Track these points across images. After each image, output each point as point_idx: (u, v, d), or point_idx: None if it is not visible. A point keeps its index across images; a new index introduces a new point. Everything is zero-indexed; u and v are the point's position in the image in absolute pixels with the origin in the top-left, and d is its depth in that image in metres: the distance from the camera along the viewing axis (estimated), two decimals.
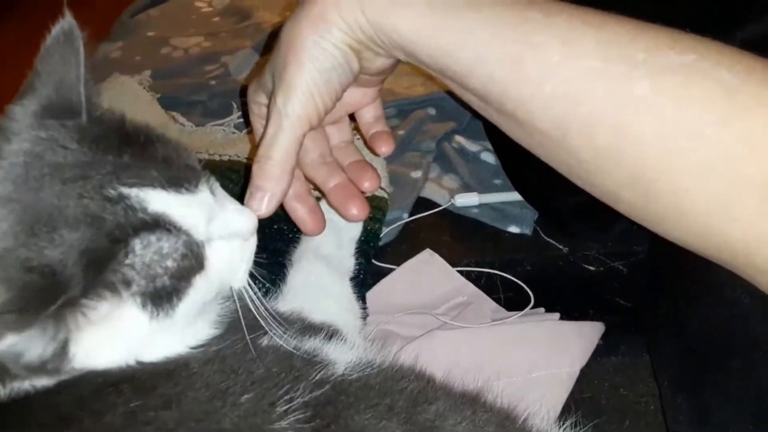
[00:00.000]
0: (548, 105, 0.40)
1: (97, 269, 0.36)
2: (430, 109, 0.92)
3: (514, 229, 0.75)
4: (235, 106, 0.93)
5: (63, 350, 0.37)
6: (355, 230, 0.69)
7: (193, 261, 0.41)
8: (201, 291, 0.42)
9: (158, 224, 0.39)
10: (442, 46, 0.43)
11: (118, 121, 0.43)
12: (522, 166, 0.81)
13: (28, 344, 0.34)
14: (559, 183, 0.75)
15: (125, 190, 0.39)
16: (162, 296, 0.40)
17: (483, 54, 0.42)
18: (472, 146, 0.86)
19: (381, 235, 0.73)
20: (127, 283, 0.38)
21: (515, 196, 0.77)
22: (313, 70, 0.48)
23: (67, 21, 0.44)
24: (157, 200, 0.40)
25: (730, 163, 0.35)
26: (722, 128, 0.35)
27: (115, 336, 0.39)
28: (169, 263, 0.39)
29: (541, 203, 0.76)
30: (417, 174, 0.81)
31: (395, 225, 0.75)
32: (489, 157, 0.85)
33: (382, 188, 0.76)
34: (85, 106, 0.43)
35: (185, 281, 0.41)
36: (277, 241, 0.70)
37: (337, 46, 0.47)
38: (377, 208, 0.74)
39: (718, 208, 0.35)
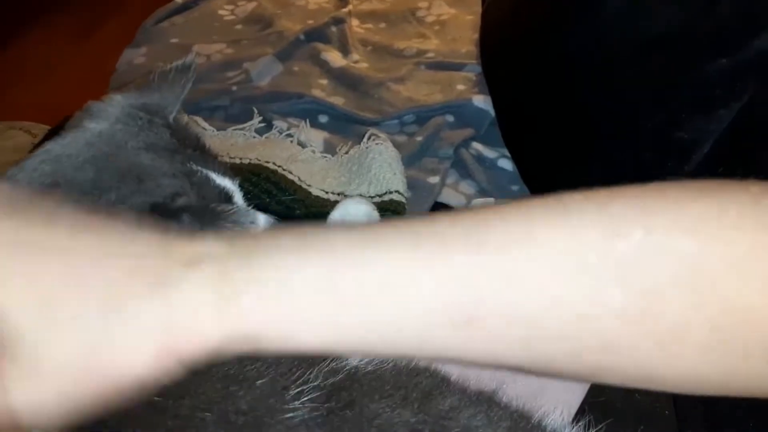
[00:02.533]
0: (521, 350, 0.34)
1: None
2: (449, 116, 0.93)
3: None
4: (255, 111, 0.95)
5: None
6: None
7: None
8: None
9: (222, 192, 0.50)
10: (352, 331, 0.33)
11: (185, 127, 0.55)
12: (539, 172, 0.82)
13: None
14: (574, 190, 0.76)
15: (198, 169, 0.50)
16: None
17: (413, 322, 0.33)
18: (489, 153, 0.87)
19: None
20: None
21: None
22: None
23: (191, 57, 0.60)
24: (217, 180, 0.51)
25: (723, 336, 0.32)
26: (703, 307, 0.32)
27: None
28: (229, 225, 0.46)
29: None
30: (434, 179, 0.82)
31: None
32: (506, 164, 0.85)
33: (399, 193, 0.77)
34: (174, 115, 0.55)
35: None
36: None
37: None
38: (395, 211, 0.75)
39: (727, 379, 0.34)
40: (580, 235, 0.32)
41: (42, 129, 2.07)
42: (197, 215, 0.44)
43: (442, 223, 0.33)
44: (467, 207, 0.31)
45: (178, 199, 0.45)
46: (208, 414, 0.39)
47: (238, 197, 0.53)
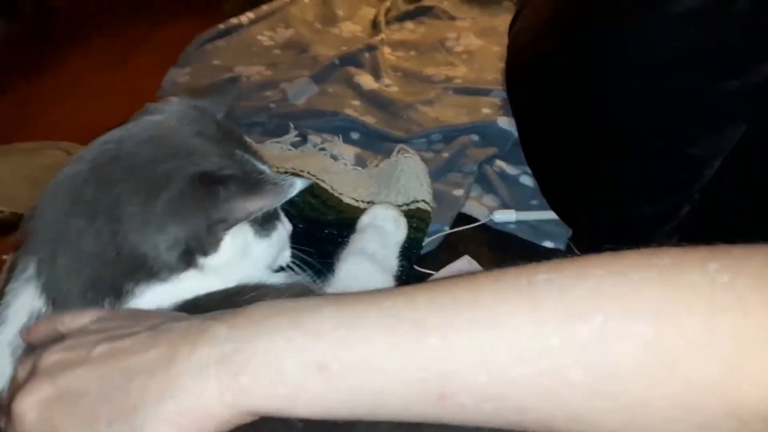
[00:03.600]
0: (495, 421, 0.37)
1: None
2: (474, 136, 0.98)
3: (548, 244, 0.80)
4: (292, 126, 1.00)
5: (218, 240, 0.50)
6: (400, 236, 0.74)
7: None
8: (278, 235, 0.56)
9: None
10: (352, 409, 0.38)
11: (231, 125, 0.60)
12: (559, 188, 0.86)
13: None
14: (592, 203, 0.80)
15: (242, 154, 0.55)
16: (261, 224, 0.54)
17: (395, 401, 0.37)
18: (512, 170, 0.91)
19: (423, 244, 0.78)
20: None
21: (551, 215, 0.82)
22: None
23: (235, 76, 0.70)
24: (258, 165, 0.55)
25: (690, 409, 0.33)
26: (664, 384, 0.34)
27: (234, 244, 0.51)
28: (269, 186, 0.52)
29: (575, 221, 0.81)
30: (459, 192, 0.86)
31: (437, 236, 0.80)
32: (527, 180, 0.90)
33: (425, 202, 0.81)
34: (221, 116, 0.60)
35: (276, 219, 0.57)
36: (327, 244, 0.76)
37: None
38: (421, 219, 0.79)
39: None
40: (544, 319, 0.35)
41: (77, 148, 2.17)
42: (242, 183, 0.49)
43: (420, 304, 0.37)
44: (446, 279, 0.35)
45: (224, 170, 0.50)
46: None
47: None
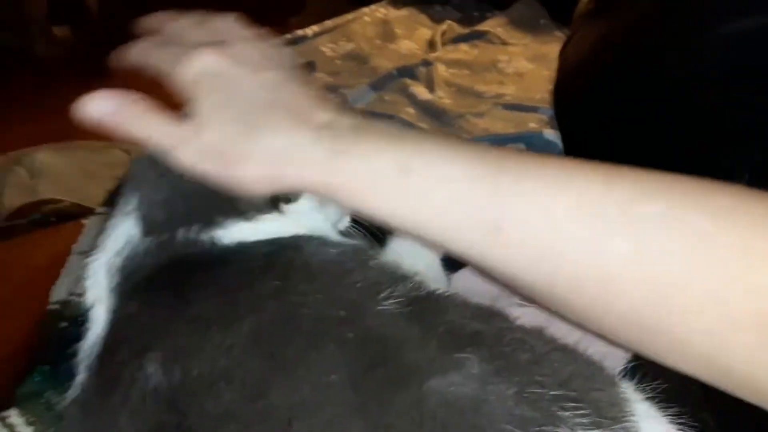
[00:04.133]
0: (532, 266, 0.40)
1: None
2: (521, 144, 1.04)
3: None
4: None
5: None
6: None
7: None
8: None
9: None
10: (416, 220, 0.42)
11: None
12: None
13: None
14: None
15: None
16: None
17: (460, 224, 0.41)
18: None
19: None
20: None
21: None
22: None
23: (311, 60, 0.70)
24: None
25: (718, 306, 0.35)
26: (703, 276, 0.35)
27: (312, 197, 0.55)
28: None
29: None
30: None
31: None
32: None
33: None
34: None
35: None
36: None
37: None
38: None
39: (715, 346, 0.36)
40: (611, 191, 0.38)
41: (138, 149, 2.28)
42: None
43: (507, 152, 0.42)
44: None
45: None
46: (305, 309, 0.47)
47: None
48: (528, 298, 0.45)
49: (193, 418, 0.42)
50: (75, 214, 2.02)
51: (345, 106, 1.18)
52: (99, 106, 0.47)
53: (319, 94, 0.48)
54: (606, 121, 0.94)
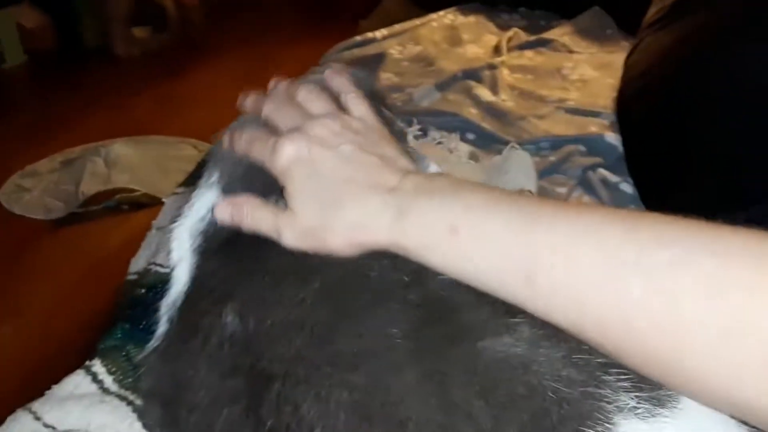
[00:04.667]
0: (562, 313, 0.43)
1: None
2: (581, 146, 1.06)
3: None
4: (415, 120, 1.12)
5: None
6: None
7: None
8: None
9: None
10: (467, 274, 0.47)
11: (378, 88, 0.70)
12: (658, 196, 0.93)
13: None
14: (691, 211, 0.86)
15: (389, 113, 0.65)
16: None
17: (501, 276, 0.45)
18: (613, 178, 0.99)
19: None
20: None
21: None
22: None
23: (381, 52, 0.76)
24: (399, 123, 0.66)
25: (731, 344, 0.37)
26: (714, 316, 0.37)
27: None
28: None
29: None
30: (562, 190, 0.95)
31: None
32: (627, 188, 0.97)
33: (531, 192, 0.90)
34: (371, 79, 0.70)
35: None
36: None
37: None
38: None
39: (733, 384, 0.37)
40: (629, 239, 0.40)
41: (205, 146, 2.39)
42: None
43: (544, 206, 0.46)
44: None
45: None
46: (372, 272, 0.50)
47: (411, 138, 0.69)
48: None
49: (266, 361, 0.46)
50: (145, 203, 2.12)
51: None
52: (222, 215, 0.56)
53: (390, 154, 0.55)
54: (669, 127, 0.95)
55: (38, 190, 2.21)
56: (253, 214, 0.54)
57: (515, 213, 0.46)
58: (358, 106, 0.59)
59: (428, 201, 0.49)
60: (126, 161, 2.33)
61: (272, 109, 0.59)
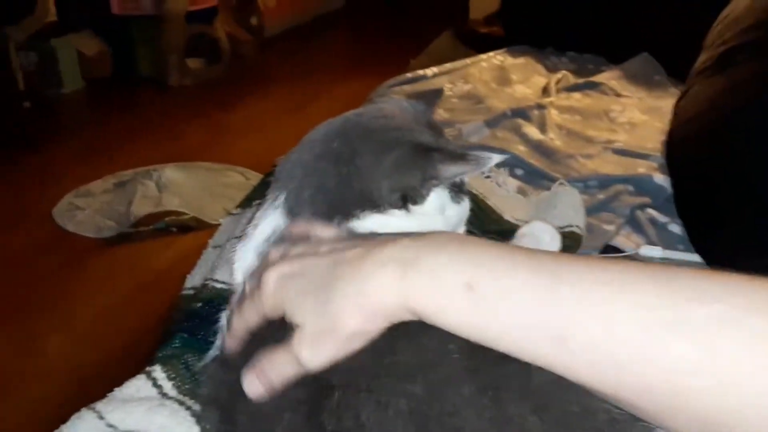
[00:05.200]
0: (597, 374, 0.41)
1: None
2: (629, 186, 1.07)
3: None
4: None
5: (426, 194, 0.61)
6: (554, 247, 0.84)
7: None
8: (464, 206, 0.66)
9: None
10: (487, 333, 0.44)
11: (435, 121, 0.71)
12: (709, 237, 0.93)
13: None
14: (742, 253, 0.87)
15: (445, 141, 0.66)
16: (456, 193, 0.64)
17: (527, 336, 0.42)
18: (662, 218, 1.00)
19: None
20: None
21: (696, 257, 0.89)
22: None
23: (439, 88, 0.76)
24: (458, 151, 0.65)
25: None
26: (759, 375, 0.36)
27: (436, 201, 0.62)
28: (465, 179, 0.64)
29: (720, 266, 0.87)
30: (610, 227, 0.96)
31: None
32: (676, 228, 0.98)
33: (579, 227, 0.91)
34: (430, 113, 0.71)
35: (464, 194, 0.66)
36: None
37: None
38: (573, 239, 0.89)
39: None
40: (667, 296, 0.39)
41: (254, 175, 2.45)
42: (451, 152, 0.62)
43: (563, 261, 0.44)
44: (593, 256, 0.42)
45: (434, 144, 0.64)
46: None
47: None
48: None
49: (328, 372, 0.48)
50: (193, 226, 2.18)
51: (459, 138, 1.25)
52: (254, 390, 0.51)
53: (371, 239, 0.51)
54: (719, 170, 0.96)
55: (91, 209, 2.29)
56: (273, 369, 0.49)
57: (534, 268, 0.43)
58: (326, 229, 0.58)
59: (433, 256, 0.45)
60: (176, 185, 2.40)
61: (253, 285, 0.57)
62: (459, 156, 0.62)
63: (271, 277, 0.52)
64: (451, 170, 0.62)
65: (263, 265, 0.58)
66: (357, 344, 0.47)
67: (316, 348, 0.47)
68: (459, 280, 0.43)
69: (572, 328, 0.40)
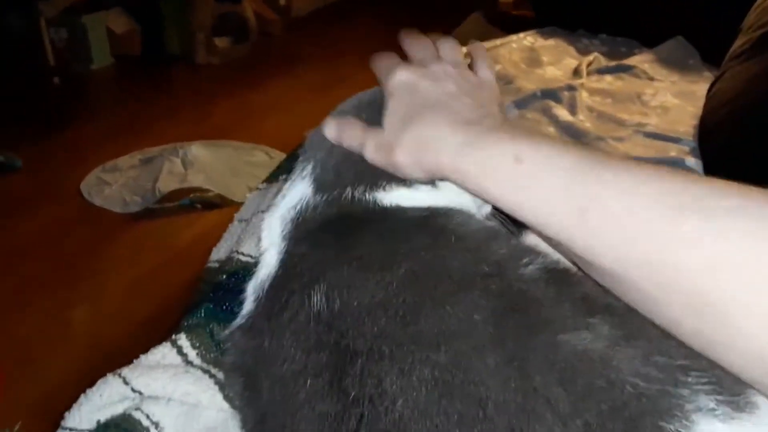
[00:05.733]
0: (609, 250, 0.43)
1: None
2: None
3: None
4: None
5: None
6: None
7: None
8: None
9: None
10: (522, 204, 0.49)
11: None
12: None
13: None
14: None
15: None
16: None
17: (555, 209, 0.46)
18: None
19: None
20: None
21: None
22: None
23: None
24: None
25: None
26: (764, 259, 0.37)
27: None
28: None
29: None
30: None
31: None
32: None
33: None
34: None
35: None
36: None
37: None
38: None
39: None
40: (689, 187, 0.41)
41: (279, 154, 2.45)
42: None
43: (610, 157, 0.47)
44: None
45: None
46: (455, 262, 0.52)
47: None
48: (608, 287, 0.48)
49: (351, 338, 0.48)
50: (217, 203, 2.19)
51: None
52: (330, 132, 0.60)
53: (489, 106, 0.57)
54: (754, 154, 0.94)
55: (118, 184, 2.31)
56: (347, 132, 0.58)
57: (583, 156, 0.46)
58: (485, 70, 0.62)
59: (498, 135, 0.50)
60: (202, 162, 2.41)
61: (412, 42, 0.63)
62: None
63: (400, 76, 0.58)
64: None
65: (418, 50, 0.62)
66: (399, 173, 0.56)
67: (375, 150, 0.56)
68: (509, 153, 0.48)
69: (594, 205, 0.44)
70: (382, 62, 0.61)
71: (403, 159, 0.53)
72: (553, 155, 0.47)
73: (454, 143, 0.51)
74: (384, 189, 0.61)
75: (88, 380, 0.61)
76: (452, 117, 0.53)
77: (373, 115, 0.60)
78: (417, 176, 0.55)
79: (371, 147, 0.56)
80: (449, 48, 0.62)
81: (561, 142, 0.51)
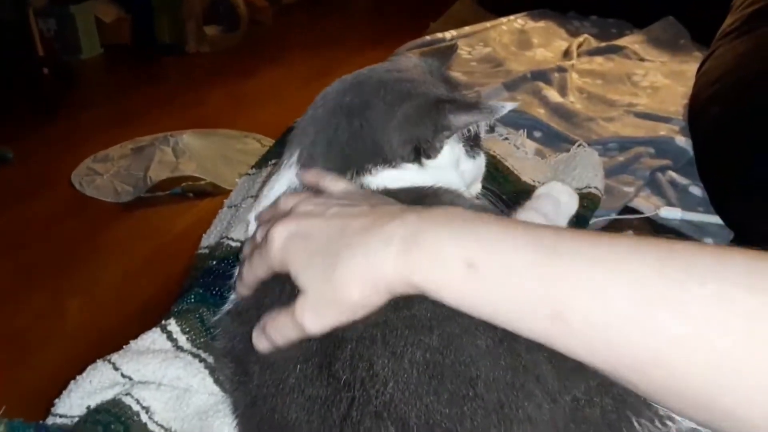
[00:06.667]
0: (595, 352, 0.41)
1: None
2: (650, 148, 1.05)
3: (709, 241, 0.85)
4: None
5: (439, 147, 0.61)
6: (572, 208, 0.82)
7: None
8: (479, 161, 0.68)
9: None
10: (487, 309, 0.44)
11: (450, 76, 0.72)
12: (731, 200, 0.91)
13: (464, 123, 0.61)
14: (762, 213, 0.85)
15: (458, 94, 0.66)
16: (470, 147, 0.65)
17: (526, 314, 0.42)
18: (682, 180, 0.98)
19: (590, 222, 0.86)
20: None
21: (716, 219, 0.88)
22: None
23: (453, 43, 0.77)
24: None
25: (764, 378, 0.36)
26: (756, 357, 0.36)
27: (450, 154, 0.63)
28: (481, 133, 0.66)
29: (741, 229, 0.86)
30: (629, 189, 0.94)
31: (604, 218, 0.88)
32: (696, 191, 0.96)
33: (597, 188, 0.90)
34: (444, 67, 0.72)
35: (480, 149, 0.67)
36: (504, 206, 0.86)
37: None
38: (591, 201, 0.88)
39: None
40: (664, 273, 0.39)
41: (268, 141, 2.44)
42: (464, 102, 0.61)
43: (564, 236, 0.43)
44: (583, 230, 0.41)
45: (446, 95, 0.63)
46: None
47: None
48: None
49: (341, 328, 0.48)
50: (209, 191, 2.18)
51: None
52: (261, 344, 0.51)
53: (380, 202, 0.53)
54: (743, 132, 0.93)
55: (109, 174, 2.30)
56: (277, 332, 0.50)
57: (535, 245, 0.43)
58: (336, 182, 0.58)
59: (436, 233, 0.45)
60: (193, 151, 2.40)
61: (266, 212, 0.60)
62: (471, 105, 0.61)
63: (279, 234, 0.52)
64: (463, 119, 0.61)
65: (272, 214, 0.58)
66: (359, 314, 0.47)
67: (318, 315, 0.48)
68: (460, 257, 0.43)
69: (570, 304, 0.40)
70: (248, 258, 0.56)
71: (356, 295, 0.46)
72: (506, 253, 0.43)
73: (393, 251, 0.45)
74: (371, 173, 0.61)
75: (81, 368, 0.61)
76: (369, 229, 0.48)
77: None
78: (384, 299, 0.47)
79: (311, 316, 0.48)
80: (292, 196, 0.58)
81: (504, 224, 0.46)
